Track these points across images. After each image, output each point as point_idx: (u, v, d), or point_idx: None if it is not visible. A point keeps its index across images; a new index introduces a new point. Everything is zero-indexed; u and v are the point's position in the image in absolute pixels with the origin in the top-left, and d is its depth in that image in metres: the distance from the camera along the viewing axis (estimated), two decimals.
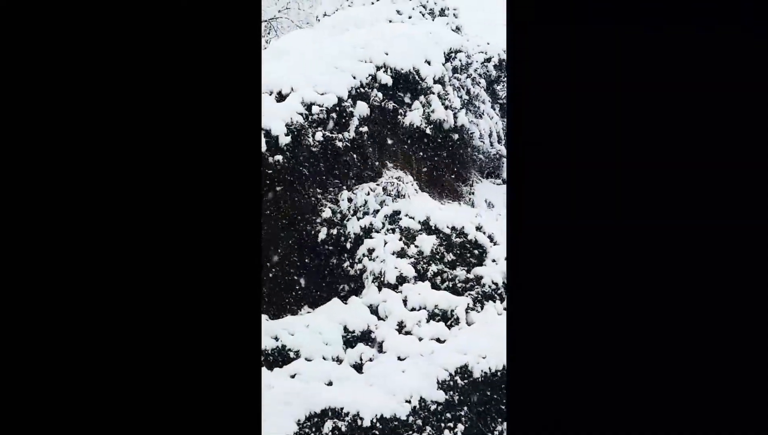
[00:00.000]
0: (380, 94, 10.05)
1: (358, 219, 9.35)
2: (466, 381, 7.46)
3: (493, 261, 9.02)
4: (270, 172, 8.77)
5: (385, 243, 9.06)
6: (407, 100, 10.29)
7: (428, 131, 10.24)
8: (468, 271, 8.95)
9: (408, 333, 8.14)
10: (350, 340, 8.15)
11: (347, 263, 9.21)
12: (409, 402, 7.26)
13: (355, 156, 9.73)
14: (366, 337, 8.19)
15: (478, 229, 9.25)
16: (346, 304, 8.57)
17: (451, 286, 8.82)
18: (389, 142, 10.20)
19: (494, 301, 8.60)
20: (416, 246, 9.00)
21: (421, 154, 10.49)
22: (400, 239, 9.02)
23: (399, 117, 10.22)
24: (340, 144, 9.51)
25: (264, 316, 8.34)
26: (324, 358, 7.85)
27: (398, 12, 11.82)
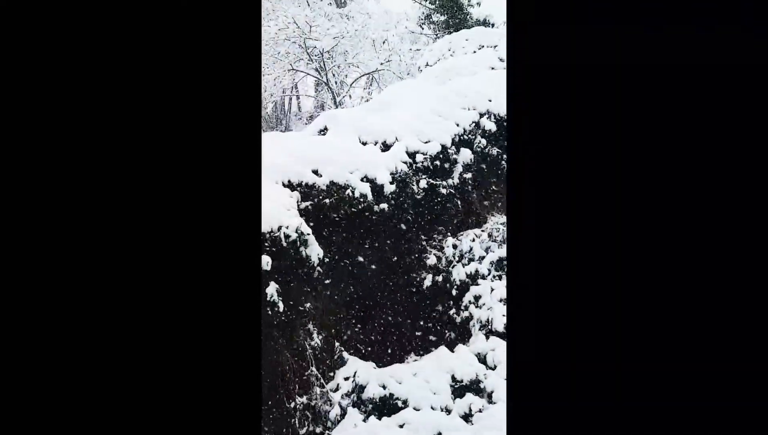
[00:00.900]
0: (484, 141, 10.03)
1: (464, 265, 9.27)
2: None
3: None
4: (374, 218, 8.83)
5: (492, 290, 8.91)
6: None
7: None
8: None
9: None
10: (458, 389, 7.99)
11: (453, 311, 9.10)
12: None
13: (459, 202, 9.69)
14: (475, 387, 8.03)
15: None
16: (453, 352, 8.43)
17: None
18: (494, 188, 10.12)
19: None
20: None
21: None
22: None
23: (503, 162, 10.15)
24: (444, 190, 9.51)
25: (371, 364, 8.31)
26: (432, 408, 7.71)
27: (500, 59, 11.84)
